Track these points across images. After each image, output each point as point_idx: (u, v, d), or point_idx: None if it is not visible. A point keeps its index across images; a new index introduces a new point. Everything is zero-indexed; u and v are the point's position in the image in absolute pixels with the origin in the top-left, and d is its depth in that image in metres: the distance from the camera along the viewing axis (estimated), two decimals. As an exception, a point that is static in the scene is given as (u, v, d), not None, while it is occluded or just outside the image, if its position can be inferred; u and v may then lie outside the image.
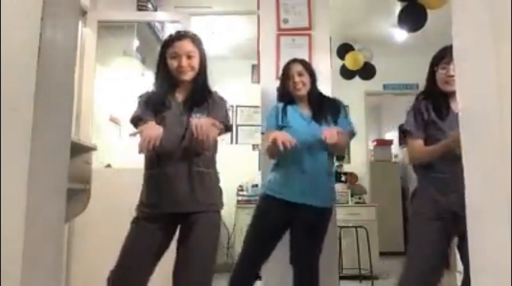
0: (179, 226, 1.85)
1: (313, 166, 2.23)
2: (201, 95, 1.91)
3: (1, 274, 0.96)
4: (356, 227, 4.47)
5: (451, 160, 1.69)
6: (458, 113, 1.86)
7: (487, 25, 0.84)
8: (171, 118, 1.83)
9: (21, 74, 1.03)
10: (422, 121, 1.97)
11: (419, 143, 1.97)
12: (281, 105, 2.38)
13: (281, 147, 2.01)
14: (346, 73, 5.23)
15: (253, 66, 5.28)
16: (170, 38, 1.92)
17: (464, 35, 0.95)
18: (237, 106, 5.62)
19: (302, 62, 2.40)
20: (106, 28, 3.42)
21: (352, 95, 5.51)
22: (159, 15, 4.01)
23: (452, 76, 1.88)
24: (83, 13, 3.13)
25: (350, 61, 5.13)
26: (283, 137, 2.05)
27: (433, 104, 1.96)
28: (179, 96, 1.91)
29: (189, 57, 1.86)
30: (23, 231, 0.98)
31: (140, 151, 1.70)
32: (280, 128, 2.28)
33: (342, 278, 3.25)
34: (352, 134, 2.43)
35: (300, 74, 2.34)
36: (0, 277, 0.95)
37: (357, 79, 5.31)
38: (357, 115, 5.76)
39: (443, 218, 1.83)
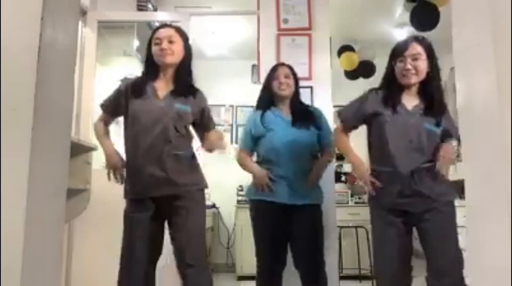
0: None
1: (295, 167, 2.26)
2: (182, 86, 1.96)
3: (1, 274, 0.96)
4: (356, 227, 4.47)
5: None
6: (411, 109, 1.89)
7: (487, 25, 0.84)
8: (149, 105, 1.90)
9: (21, 74, 1.03)
10: (361, 111, 2.00)
11: (343, 127, 2.07)
12: (258, 113, 2.39)
13: (259, 189, 2.24)
14: (350, 74, 5.23)
15: (253, 66, 5.27)
16: (156, 28, 2.03)
17: (464, 35, 0.95)
18: (237, 106, 5.61)
19: (289, 67, 2.44)
20: (106, 28, 3.42)
21: (352, 95, 5.49)
22: (159, 15, 4.01)
23: (409, 69, 1.88)
24: (83, 13, 3.13)
25: (345, 62, 5.14)
26: (261, 181, 2.24)
27: (384, 95, 1.97)
28: (161, 84, 1.96)
29: (170, 41, 1.92)
30: (23, 231, 0.98)
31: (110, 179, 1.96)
32: (257, 138, 2.33)
33: (342, 278, 3.24)
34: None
35: (286, 76, 2.38)
36: (0, 276, 0.95)
37: (357, 79, 5.30)
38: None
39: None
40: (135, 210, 1.90)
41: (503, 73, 0.79)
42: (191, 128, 2.03)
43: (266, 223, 2.27)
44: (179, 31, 1.99)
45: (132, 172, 1.91)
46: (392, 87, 1.96)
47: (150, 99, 1.91)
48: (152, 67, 1.96)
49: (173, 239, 1.89)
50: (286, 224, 2.25)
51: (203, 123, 2.04)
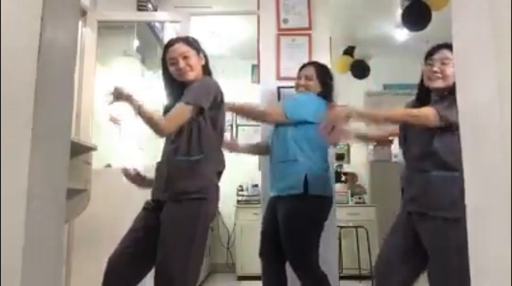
0: None
1: (275, 155, 2.34)
2: None
3: (1, 274, 0.96)
4: (356, 227, 4.47)
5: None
6: None
7: (487, 24, 0.84)
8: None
9: (21, 74, 1.03)
10: None
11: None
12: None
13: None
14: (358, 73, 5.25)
15: (253, 66, 5.27)
16: (165, 45, 1.96)
17: (464, 35, 0.95)
18: (237, 106, 5.61)
19: (315, 65, 2.51)
20: (106, 28, 3.42)
21: (352, 95, 5.50)
22: (159, 15, 4.01)
23: (436, 72, 1.87)
24: (83, 13, 3.12)
25: (337, 65, 5.17)
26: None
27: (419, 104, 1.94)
28: None
29: (184, 57, 1.87)
30: (23, 231, 0.98)
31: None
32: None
33: (342, 278, 3.24)
34: None
35: (308, 78, 2.43)
36: (0, 276, 0.95)
37: (357, 79, 5.30)
38: (357, 115, 5.76)
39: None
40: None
41: (503, 73, 0.79)
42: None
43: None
44: (188, 42, 1.94)
45: None
46: (421, 93, 1.96)
47: None
48: (176, 86, 1.91)
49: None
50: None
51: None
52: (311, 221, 2.20)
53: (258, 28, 3.11)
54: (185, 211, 1.74)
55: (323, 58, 2.96)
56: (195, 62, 1.90)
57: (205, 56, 1.97)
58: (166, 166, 1.83)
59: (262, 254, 2.38)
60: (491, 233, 0.84)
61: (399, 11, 3.81)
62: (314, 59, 2.92)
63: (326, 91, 2.43)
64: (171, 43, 1.93)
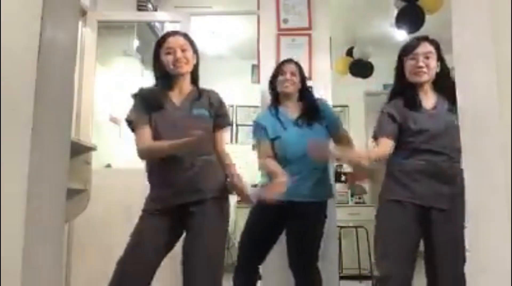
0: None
1: (306, 166, 2.23)
2: (198, 91, 1.94)
3: (1, 274, 0.96)
4: (356, 227, 4.47)
5: None
6: (429, 109, 1.87)
7: (487, 25, 0.84)
8: (169, 117, 1.85)
9: (21, 74, 1.03)
10: (393, 123, 1.92)
11: (385, 138, 1.93)
12: (272, 110, 2.38)
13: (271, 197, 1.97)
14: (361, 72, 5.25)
15: (253, 66, 5.27)
16: (163, 36, 1.97)
17: (464, 35, 0.95)
18: (237, 106, 5.62)
19: (296, 63, 2.41)
20: (106, 28, 3.42)
21: (352, 95, 5.50)
22: (159, 15, 4.01)
23: (421, 67, 1.87)
24: (83, 13, 3.12)
25: (338, 66, 5.17)
26: (277, 188, 1.97)
27: (404, 100, 1.93)
28: (177, 94, 1.92)
29: (183, 50, 1.88)
30: (23, 231, 0.98)
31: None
32: (273, 140, 2.29)
33: (342, 278, 3.25)
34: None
35: (292, 74, 2.34)
36: (0, 277, 0.95)
37: (357, 79, 5.30)
38: (357, 115, 5.76)
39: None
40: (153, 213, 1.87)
41: (503, 73, 0.79)
42: None
43: (261, 220, 2.32)
44: (187, 37, 1.95)
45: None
46: (406, 90, 1.93)
47: (169, 111, 1.86)
48: (167, 78, 1.91)
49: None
50: (281, 221, 2.27)
51: (221, 118, 1.97)
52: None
53: (258, 28, 3.11)
54: (225, 207, 1.88)
55: (323, 58, 2.96)
56: (190, 57, 1.91)
57: (198, 57, 1.98)
58: (191, 166, 1.80)
59: (244, 270, 2.29)
60: (491, 233, 0.84)
61: (394, 12, 3.81)
62: (314, 59, 2.92)
63: (304, 89, 2.41)
64: (170, 33, 1.94)
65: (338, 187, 4.78)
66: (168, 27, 4.00)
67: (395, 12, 3.78)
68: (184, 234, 1.84)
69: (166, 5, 4.19)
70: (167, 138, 1.78)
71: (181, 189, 1.80)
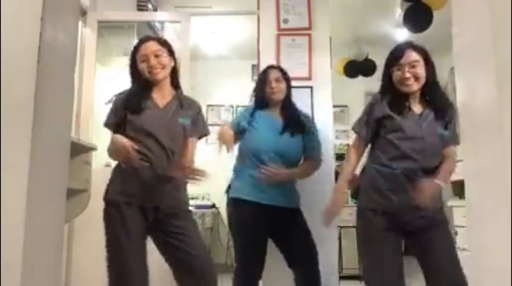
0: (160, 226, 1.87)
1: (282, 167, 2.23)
2: (180, 99, 1.97)
3: (1, 274, 0.96)
4: (356, 227, 4.47)
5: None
6: (420, 114, 1.86)
7: (487, 25, 0.84)
8: (154, 122, 1.85)
9: (21, 74, 1.03)
10: (372, 118, 1.93)
11: (359, 140, 2.03)
12: (250, 109, 2.38)
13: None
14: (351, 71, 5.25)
15: (253, 66, 5.27)
16: (137, 43, 1.97)
17: (464, 35, 0.95)
18: (237, 106, 5.61)
19: (280, 69, 2.39)
20: (106, 28, 3.42)
21: (352, 95, 5.49)
22: (159, 15, 4.01)
23: (407, 78, 1.82)
24: (83, 13, 3.12)
25: (338, 67, 5.17)
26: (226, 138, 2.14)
27: (391, 100, 1.90)
28: (158, 98, 1.93)
29: (156, 55, 1.89)
30: (23, 231, 0.98)
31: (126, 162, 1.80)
32: (243, 130, 2.29)
33: (342, 278, 3.24)
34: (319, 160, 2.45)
35: (277, 80, 2.32)
36: (0, 277, 0.95)
37: (357, 79, 5.31)
38: (357, 115, 5.74)
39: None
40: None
41: (503, 73, 0.79)
42: None
43: (252, 230, 2.22)
44: (161, 41, 1.96)
45: None
46: (395, 95, 1.90)
47: (152, 116, 1.87)
48: (145, 84, 1.92)
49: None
50: (270, 226, 2.24)
51: (198, 124, 2.01)
52: None
53: (258, 28, 3.10)
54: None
55: (323, 58, 2.97)
56: (166, 61, 1.91)
57: (175, 60, 1.98)
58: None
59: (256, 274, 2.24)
60: (491, 232, 0.84)
61: (399, 11, 3.81)
62: (314, 59, 2.93)
63: (289, 95, 2.38)
64: (143, 40, 1.95)
65: (338, 187, 4.77)
66: (168, 27, 4.01)
67: (398, 12, 3.77)
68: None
69: (166, 5, 4.18)
70: (155, 134, 1.82)
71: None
